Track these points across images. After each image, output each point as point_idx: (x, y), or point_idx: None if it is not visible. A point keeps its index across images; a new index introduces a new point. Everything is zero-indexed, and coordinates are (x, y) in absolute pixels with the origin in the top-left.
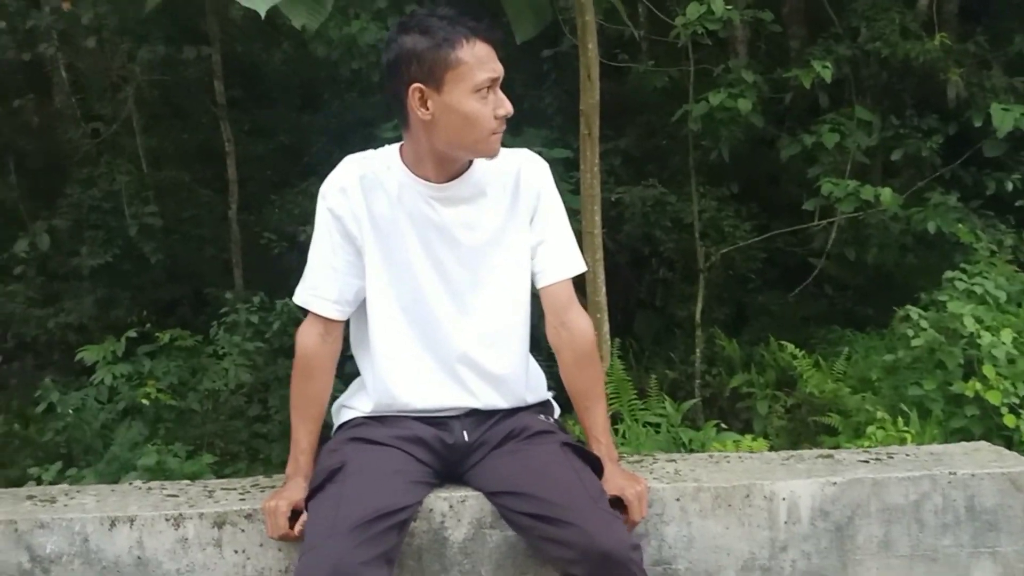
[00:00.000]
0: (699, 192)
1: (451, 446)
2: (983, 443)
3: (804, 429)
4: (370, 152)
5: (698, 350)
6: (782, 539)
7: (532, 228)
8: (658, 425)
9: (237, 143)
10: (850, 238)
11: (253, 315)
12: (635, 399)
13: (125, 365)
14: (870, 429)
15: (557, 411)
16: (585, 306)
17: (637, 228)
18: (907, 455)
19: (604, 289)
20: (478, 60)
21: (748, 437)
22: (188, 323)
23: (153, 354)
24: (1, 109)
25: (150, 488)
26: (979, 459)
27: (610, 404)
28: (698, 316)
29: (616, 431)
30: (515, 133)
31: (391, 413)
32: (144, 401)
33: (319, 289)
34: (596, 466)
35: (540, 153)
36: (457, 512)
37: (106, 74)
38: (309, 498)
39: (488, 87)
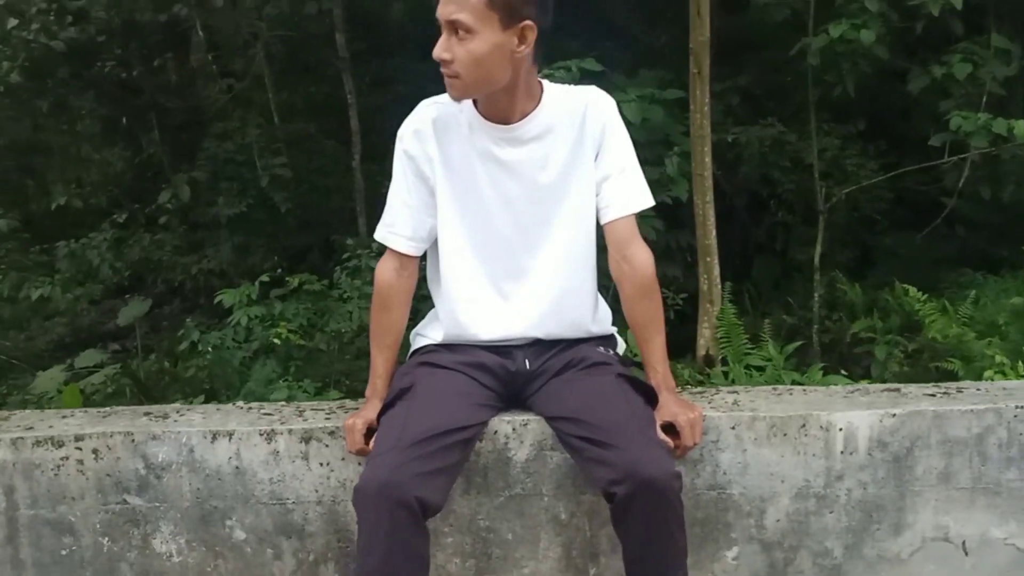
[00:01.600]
0: (823, 130)
1: (514, 373)
2: None
3: (924, 375)
4: (444, 96)
5: (816, 294)
6: (838, 468)
7: (597, 164)
8: (763, 368)
9: (359, 95)
10: (984, 175)
11: (373, 260)
12: (746, 343)
13: (259, 308)
14: (987, 373)
15: (621, 345)
16: (695, 248)
17: (755, 169)
18: (977, 390)
19: (714, 231)
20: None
21: (864, 382)
22: (317, 269)
23: (284, 297)
24: (143, 68)
25: (249, 408)
26: None
27: (720, 348)
28: (817, 259)
29: (725, 375)
30: (630, 74)
31: (459, 342)
32: (276, 341)
33: (395, 226)
34: (651, 397)
35: (652, 95)
36: (520, 434)
37: (237, 32)
38: (380, 415)
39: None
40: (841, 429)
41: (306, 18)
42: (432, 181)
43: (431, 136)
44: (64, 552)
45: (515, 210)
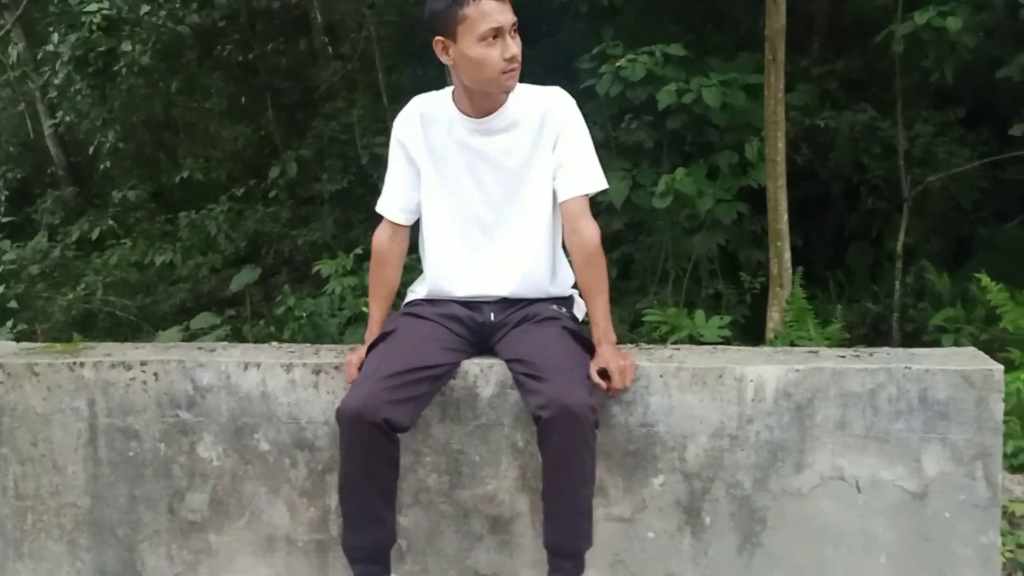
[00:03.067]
0: (921, 117)
1: (481, 324)
2: (972, 349)
3: None
4: (433, 93)
5: (898, 283)
6: (748, 413)
7: (554, 153)
8: None
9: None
10: None
11: None
12: (818, 327)
13: (353, 278)
14: None
15: (580, 307)
16: (765, 232)
17: (845, 155)
18: (887, 354)
19: (786, 216)
20: (482, 14)
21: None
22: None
23: None
24: (260, 51)
25: (279, 347)
26: (943, 358)
27: (789, 331)
28: (899, 247)
29: None
30: (728, 58)
31: (439, 297)
32: (364, 310)
33: (389, 200)
34: (591, 347)
35: (736, 79)
36: (486, 375)
37: (348, 17)
38: (367, 353)
39: (494, 35)
40: (752, 380)
41: (411, 3)
42: (419, 164)
43: (419, 127)
44: (131, 453)
45: (486, 190)
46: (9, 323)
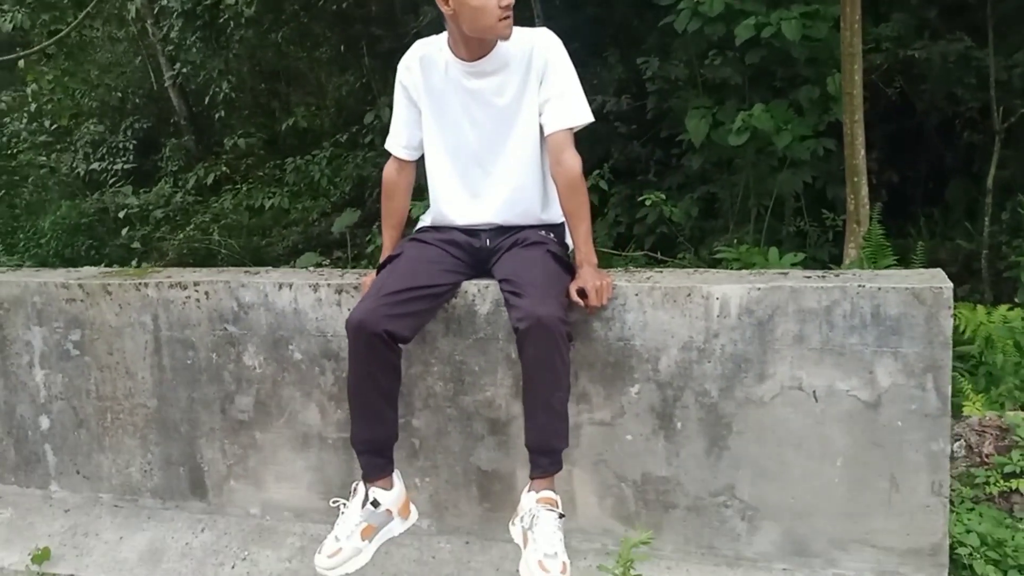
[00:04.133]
0: (1018, 44)
1: (478, 249)
2: (936, 270)
3: None
4: (433, 37)
5: (987, 219)
6: (715, 328)
7: (540, 90)
8: None
9: (546, 19)
10: None
11: None
12: (893, 266)
13: None
14: None
15: (568, 234)
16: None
17: (940, 87)
18: (853, 275)
19: (863, 151)
20: None
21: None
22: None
23: None
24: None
25: (311, 270)
26: (900, 278)
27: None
28: (990, 181)
29: None
30: None
31: (442, 224)
32: None
33: (395, 138)
34: (572, 269)
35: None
36: (483, 294)
37: None
38: (377, 274)
39: None
40: (717, 298)
41: None
42: (419, 104)
43: (418, 71)
44: (188, 361)
45: (479, 127)
46: (133, 263)
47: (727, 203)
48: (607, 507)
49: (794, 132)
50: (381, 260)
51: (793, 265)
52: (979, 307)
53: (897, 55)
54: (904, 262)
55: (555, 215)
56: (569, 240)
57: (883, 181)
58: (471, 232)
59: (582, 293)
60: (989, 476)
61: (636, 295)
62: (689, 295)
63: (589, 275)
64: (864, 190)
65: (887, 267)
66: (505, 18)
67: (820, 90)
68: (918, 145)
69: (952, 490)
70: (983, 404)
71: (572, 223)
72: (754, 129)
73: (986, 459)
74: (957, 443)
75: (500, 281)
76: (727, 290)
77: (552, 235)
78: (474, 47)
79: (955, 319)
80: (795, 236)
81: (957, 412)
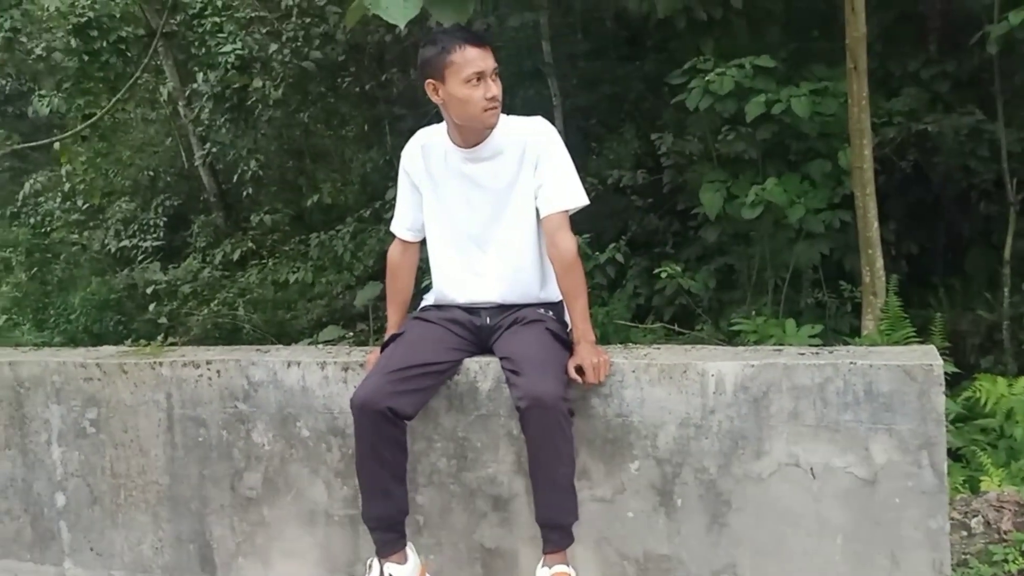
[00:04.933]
0: None
1: (479, 327)
2: (928, 347)
3: None
4: (435, 126)
5: (1007, 290)
6: (711, 405)
7: (535, 175)
8: None
9: (564, 96)
10: None
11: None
12: (912, 337)
13: None
14: None
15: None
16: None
17: (954, 159)
18: (846, 351)
19: (876, 224)
20: (466, 60)
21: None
22: None
23: None
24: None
25: (319, 347)
26: (892, 355)
27: (884, 340)
28: (1007, 252)
29: None
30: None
31: (444, 303)
32: None
33: (399, 220)
34: (570, 347)
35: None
36: (484, 371)
37: None
38: (381, 352)
39: (477, 78)
40: (713, 375)
41: (511, 28)
42: (421, 189)
43: (420, 157)
44: (200, 439)
45: (476, 209)
46: (159, 339)
47: (744, 274)
48: None
49: (808, 205)
50: (386, 338)
51: (811, 337)
52: (1000, 379)
53: (910, 128)
54: (923, 333)
55: (553, 293)
56: (567, 318)
57: (902, 252)
58: (472, 310)
59: (580, 370)
60: (1008, 553)
61: (633, 372)
62: (685, 372)
63: (586, 352)
64: (879, 262)
65: (906, 339)
66: (490, 108)
67: (832, 163)
68: (936, 216)
69: (970, 567)
70: (1003, 479)
71: (569, 301)
72: (768, 202)
73: (1004, 535)
74: (975, 519)
75: (501, 359)
76: (722, 367)
77: (551, 313)
78: (468, 134)
79: (976, 391)
80: (814, 307)
81: (975, 487)
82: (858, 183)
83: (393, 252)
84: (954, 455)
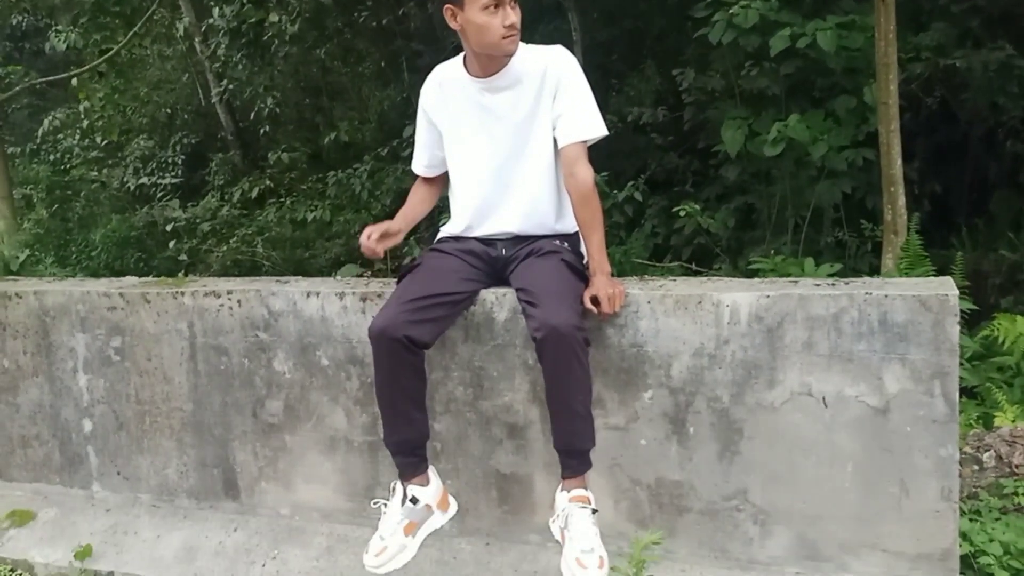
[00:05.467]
0: None
1: (495, 258)
2: (945, 278)
3: None
4: (450, 60)
5: None
6: (725, 335)
7: (553, 105)
8: None
9: (584, 31)
10: None
11: None
12: (932, 276)
13: None
14: None
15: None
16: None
17: (982, 96)
18: (863, 283)
19: (900, 161)
20: None
21: None
22: None
23: None
24: (391, 16)
25: (337, 279)
26: (908, 285)
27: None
28: None
29: None
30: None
31: (461, 235)
32: None
33: (417, 159)
34: (586, 278)
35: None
36: (500, 302)
37: None
38: (397, 283)
39: (495, 5)
40: (727, 305)
41: None
42: (439, 126)
43: (438, 94)
44: (222, 367)
45: (496, 142)
46: (179, 275)
47: (764, 214)
48: (622, 511)
49: (831, 143)
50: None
51: (830, 275)
52: (1019, 318)
53: (938, 64)
54: (944, 273)
55: (569, 225)
56: (583, 249)
57: (925, 191)
58: (488, 242)
59: (595, 301)
60: (1018, 486)
61: (648, 302)
62: (700, 302)
63: (602, 283)
64: (901, 200)
65: (925, 277)
66: (509, 36)
67: (857, 100)
68: (961, 155)
69: (980, 500)
70: (1017, 415)
71: (585, 233)
72: (790, 140)
73: (1016, 470)
74: (987, 453)
75: (517, 290)
76: (737, 298)
77: (566, 244)
78: (485, 63)
79: (994, 330)
80: (834, 247)
81: (989, 424)
82: (883, 119)
83: (414, 188)
84: (970, 393)
